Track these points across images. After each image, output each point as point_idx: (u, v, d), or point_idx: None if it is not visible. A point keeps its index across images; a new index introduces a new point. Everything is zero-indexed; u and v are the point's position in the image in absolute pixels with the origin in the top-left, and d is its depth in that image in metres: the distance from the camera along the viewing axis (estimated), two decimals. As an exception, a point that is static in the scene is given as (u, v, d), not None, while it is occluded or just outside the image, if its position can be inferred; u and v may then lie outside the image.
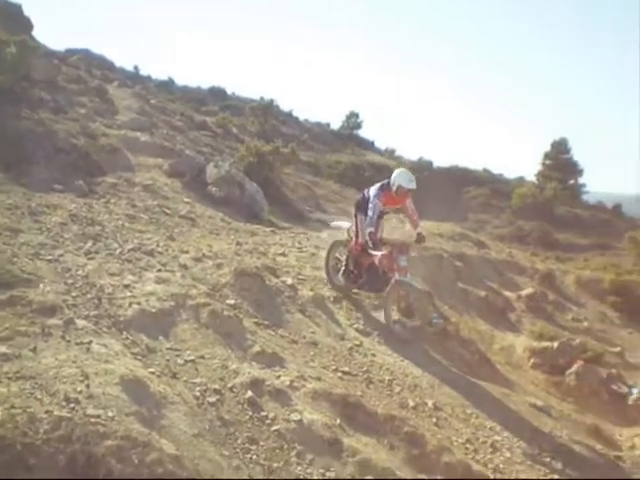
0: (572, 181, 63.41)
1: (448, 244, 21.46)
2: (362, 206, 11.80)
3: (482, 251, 22.78)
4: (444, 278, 17.40)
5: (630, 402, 13.49)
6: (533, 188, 55.93)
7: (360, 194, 12.40)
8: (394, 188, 11.37)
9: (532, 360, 13.99)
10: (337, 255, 12.73)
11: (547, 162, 63.80)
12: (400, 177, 11.34)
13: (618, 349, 17.78)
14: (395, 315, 11.46)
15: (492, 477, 7.81)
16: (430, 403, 9.15)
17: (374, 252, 11.34)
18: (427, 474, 7.36)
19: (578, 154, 64.48)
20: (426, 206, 42.24)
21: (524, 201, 50.92)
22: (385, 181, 11.61)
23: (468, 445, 8.42)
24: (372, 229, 11.11)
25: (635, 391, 13.87)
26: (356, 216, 11.97)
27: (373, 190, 11.55)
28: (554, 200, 53.51)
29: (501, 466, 8.17)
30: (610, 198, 73.40)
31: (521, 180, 64.69)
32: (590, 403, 12.99)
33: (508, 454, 8.55)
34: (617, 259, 35.38)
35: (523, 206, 50.23)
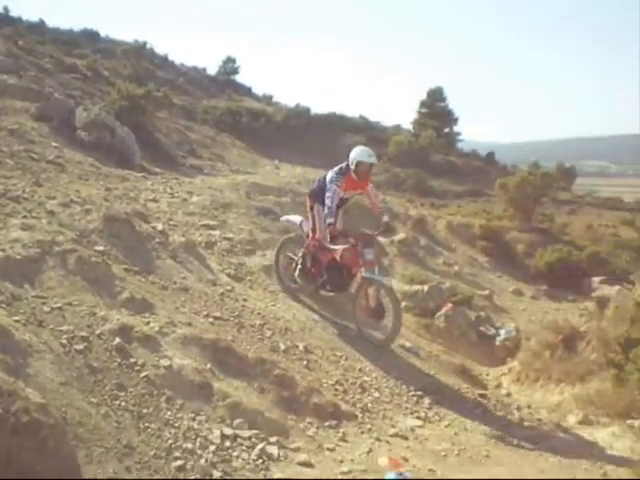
0: (447, 129, 64.84)
1: (323, 190, 21.37)
2: (318, 195, 10.52)
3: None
4: (318, 224, 17.34)
5: (497, 343, 13.81)
6: (409, 136, 56.75)
7: (314, 182, 11.28)
8: (353, 167, 10.16)
9: (404, 303, 14.07)
10: (289, 254, 11.51)
11: (423, 110, 64.93)
12: (358, 153, 10.22)
13: (487, 292, 18.23)
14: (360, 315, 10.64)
15: (360, 416, 7.89)
16: (301, 346, 9.18)
17: (334, 246, 10.28)
18: (296, 415, 7.39)
19: (453, 103, 65.92)
20: (303, 153, 42.52)
21: (400, 149, 51.55)
22: (343, 164, 10.38)
23: (337, 386, 8.49)
24: (332, 220, 9.82)
25: (502, 333, 14.20)
26: (312, 208, 10.73)
27: (330, 174, 10.28)
28: (429, 148, 54.48)
29: (369, 405, 8.29)
30: (484, 146, 75.37)
31: (398, 128, 65.44)
32: (459, 344, 13.23)
33: (377, 394, 8.68)
34: (489, 205, 36.34)
35: (399, 153, 50.86)
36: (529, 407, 9.83)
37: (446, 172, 51.17)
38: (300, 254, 10.98)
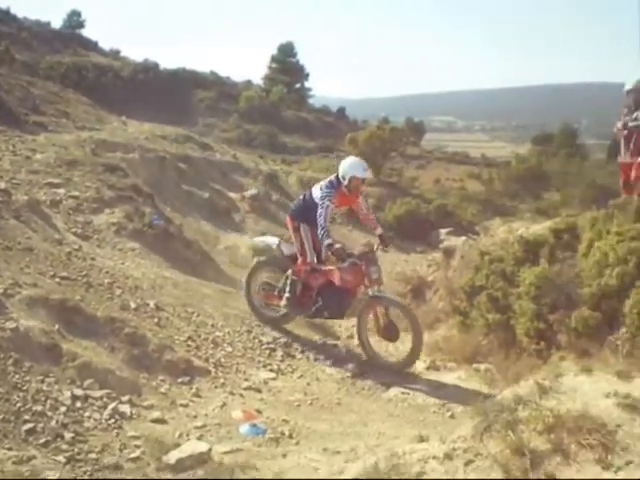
0: (298, 85, 65.03)
1: (172, 147, 21.08)
2: (304, 213, 9.20)
3: (206, 153, 22.63)
4: (167, 180, 17.21)
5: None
6: (260, 91, 56.57)
7: (298, 199, 10.04)
8: (346, 182, 8.86)
9: (255, 259, 14.09)
10: (266, 280, 9.95)
11: (274, 66, 64.79)
12: (352, 167, 8.92)
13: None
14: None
15: (213, 371, 7.86)
16: (152, 304, 8.94)
17: (329, 267, 9.07)
18: (148, 373, 7.26)
19: (304, 58, 66.10)
20: (152, 109, 41.54)
21: (251, 104, 51.42)
22: (332, 177, 9.10)
23: (190, 342, 8.38)
24: (329, 240, 8.59)
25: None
26: (297, 229, 9.29)
27: (319, 190, 8.97)
28: (281, 104, 54.60)
29: (222, 360, 8.26)
30: (335, 102, 76.13)
31: (248, 83, 65.08)
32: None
33: (229, 349, 8.66)
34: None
35: (250, 109, 50.66)
36: (379, 355, 10.07)
37: (297, 128, 51.46)
38: (286, 280, 9.41)
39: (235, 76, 72.59)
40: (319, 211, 8.68)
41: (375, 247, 9.32)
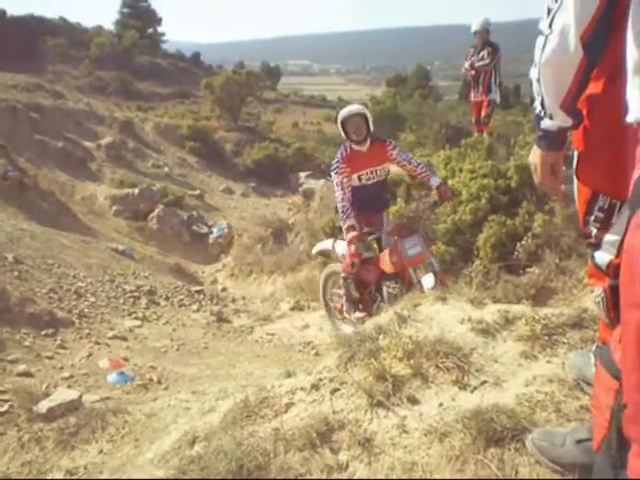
0: (151, 30, 63.31)
1: (22, 95, 20.29)
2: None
3: (59, 101, 21.88)
4: (19, 130, 16.58)
5: (211, 241, 14.08)
6: (111, 37, 54.77)
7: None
8: (345, 135, 6.72)
9: (114, 208, 13.85)
10: (335, 290, 7.65)
11: (125, 10, 62.76)
12: (339, 114, 6.74)
13: (198, 192, 18.43)
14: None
15: (77, 322, 7.79)
16: (10, 257, 8.80)
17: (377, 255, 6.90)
18: (11, 327, 7.11)
19: (156, 2, 64.33)
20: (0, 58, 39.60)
21: (103, 51, 49.70)
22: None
23: (52, 294, 8.29)
24: (351, 222, 6.42)
25: (215, 230, 14.48)
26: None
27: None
28: (134, 49, 53.09)
29: (86, 311, 8.18)
30: (189, 47, 74.64)
31: (99, 29, 62.67)
32: (172, 245, 13.35)
33: (93, 299, 8.62)
34: (196, 107, 36.31)
35: (102, 56, 49.02)
36: (244, 299, 10.18)
37: (152, 74, 50.25)
38: (342, 284, 7.29)
39: (85, 22, 69.79)
40: (336, 191, 6.74)
41: (426, 209, 7.26)
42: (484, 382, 2.62)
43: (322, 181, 15.06)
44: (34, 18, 57.32)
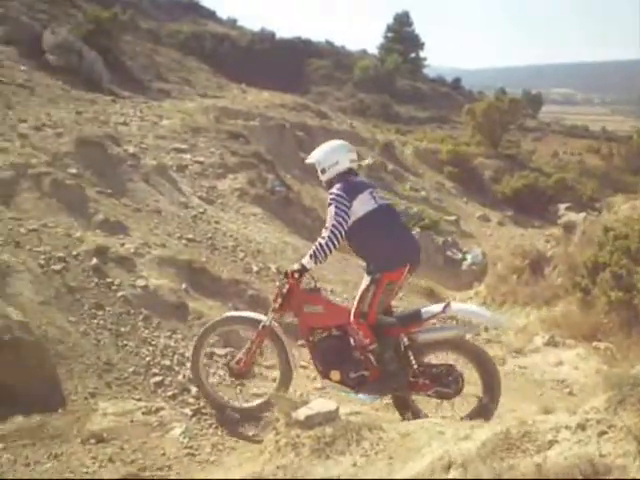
0: (413, 55, 64.33)
1: (290, 115, 21.30)
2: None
3: (324, 122, 22.77)
4: (286, 148, 17.42)
5: (464, 267, 14.03)
6: (375, 61, 56.30)
7: None
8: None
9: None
10: None
11: (389, 35, 64.23)
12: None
13: (454, 217, 18.44)
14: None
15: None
16: (273, 268, 9.19)
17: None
18: None
19: (420, 28, 65.24)
20: (269, 78, 41.97)
21: (366, 74, 51.18)
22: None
23: None
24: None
25: (469, 257, 14.43)
26: None
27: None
28: (395, 73, 54.16)
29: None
30: (450, 72, 74.98)
31: (363, 53, 64.86)
32: (426, 268, 13.35)
33: None
34: (455, 132, 36.37)
35: (365, 79, 50.52)
36: (496, 329, 9.99)
37: (412, 98, 51.04)
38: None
39: (350, 45, 72.25)
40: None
41: None
42: None
43: (583, 214, 14.53)
44: (301, 41, 60.26)
